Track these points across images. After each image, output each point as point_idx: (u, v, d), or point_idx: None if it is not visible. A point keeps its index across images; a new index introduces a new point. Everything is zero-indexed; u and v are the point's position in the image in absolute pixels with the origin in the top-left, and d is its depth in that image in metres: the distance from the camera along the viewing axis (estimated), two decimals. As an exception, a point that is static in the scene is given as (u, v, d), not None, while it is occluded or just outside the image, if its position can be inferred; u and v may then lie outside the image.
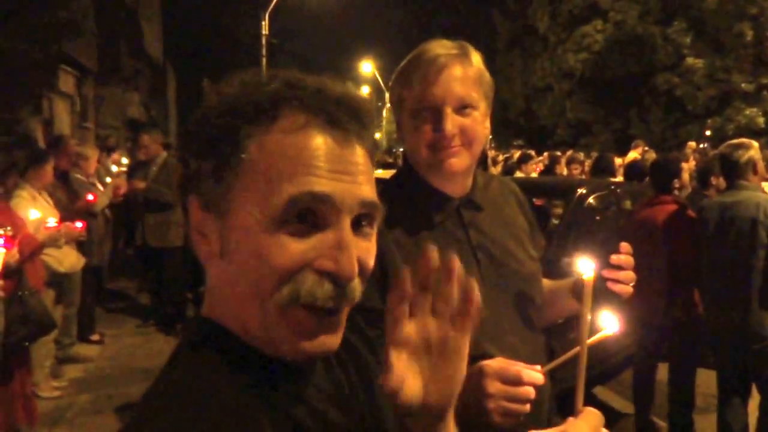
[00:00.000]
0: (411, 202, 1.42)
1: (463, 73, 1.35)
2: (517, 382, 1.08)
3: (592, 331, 1.00)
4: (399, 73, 1.43)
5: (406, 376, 0.66)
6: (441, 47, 1.37)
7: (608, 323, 0.98)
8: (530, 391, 1.08)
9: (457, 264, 0.66)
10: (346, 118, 0.73)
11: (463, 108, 1.35)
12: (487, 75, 1.42)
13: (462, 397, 1.14)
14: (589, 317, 0.93)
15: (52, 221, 3.92)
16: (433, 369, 0.68)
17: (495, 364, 1.12)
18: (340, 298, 0.70)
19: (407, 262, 1.29)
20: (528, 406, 1.09)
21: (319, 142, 0.70)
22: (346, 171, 0.71)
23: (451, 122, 1.33)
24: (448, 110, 1.33)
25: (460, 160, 1.36)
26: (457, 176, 1.40)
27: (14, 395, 3.68)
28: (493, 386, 1.09)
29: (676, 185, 3.99)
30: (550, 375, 1.20)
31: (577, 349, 1.03)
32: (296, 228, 0.68)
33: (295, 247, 0.68)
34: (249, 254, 0.69)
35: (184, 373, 0.71)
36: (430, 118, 1.35)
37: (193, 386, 0.68)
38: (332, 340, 0.72)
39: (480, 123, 1.39)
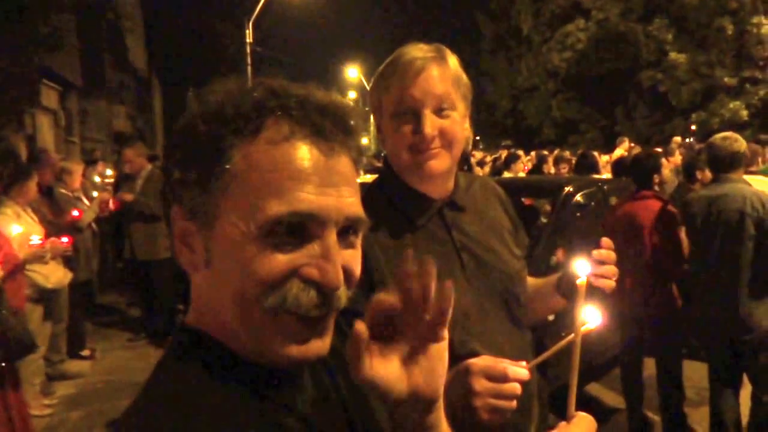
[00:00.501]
0: (393, 205, 1.43)
1: (441, 74, 1.36)
2: (503, 378, 1.09)
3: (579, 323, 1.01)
4: (377, 78, 1.44)
5: (381, 364, 0.68)
6: (418, 50, 1.38)
7: (591, 317, 0.99)
8: (516, 388, 1.09)
9: (434, 275, 0.70)
10: (331, 128, 0.72)
11: (441, 110, 1.36)
12: (464, 77, 1.43)
13: (448, 396, 1.15)
14: (581, 319, 0.94)
15: (36, 238, 3.87)
16: (413, 359, 0.71)
17: (480, 362, 1.13)
18: (326, 306, 0.71)
19: (390, 265, 1.31)
20: (514, 403, 1.10)
21: (305, 153, 0.70)
22: (331, 183, 0.71)
23: (430, 124, 1.34)
24: (427, 112, 1.34)
25: (440, 162, 1.37)
26: (437, 178, 1.41)
27: (11, 411, 3.62)
28: (479, 384, 1.10)
29: (656, 180, 4.01)
30: (542, 373, 1.21)
31: (561, 343, 1.03)
32: (282, 240, 0.69)
33: (281, 259, 0.68)
34: (234, 264, 0.69)
35: (171, 382, 0.71)
36: (410, 120, 1.35)
37: (181, 396, 0.68)
38: (321, 345, 0.73)
39: (459, 124, 1.39)
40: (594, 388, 4.85)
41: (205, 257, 0.72)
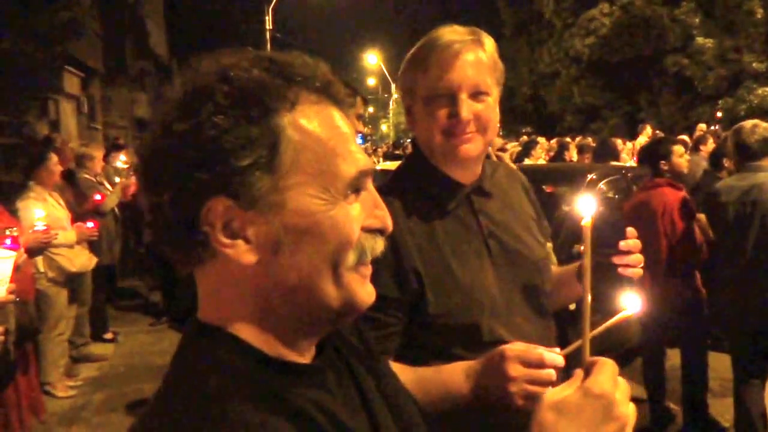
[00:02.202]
0: (423, 190, 1.42)
1: (478, 59, 1.36)
2: (540, 365, 1.10)
3: (614, 311, 0.99)
4: (411, 60, 1.42)
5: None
6: (454, 33, 1.37)
7: (630, 303, 0.98)
8: (552, 374, 1.10)
9: None
10: (340, 90, 0.77)
11: (477, 94, 1.36)
12: (499, 61, 1.43)
13: (483, 381, 1.15)
14: (589, 266, 0.92)
15: (40, 225, 3.84)
16: None
17: (516, 347, 1.14)
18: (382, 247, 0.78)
19: (421, 251, 1.31)
20: (550, 389, 1.08)
21: (339, 118, 0.75)
22: (356, 141, 0.78)
23: (467, 108, 1.34)
24: (464, 96, 1.34)
25: (474, 146, 1.37)
26: (470, 162, 1.41)
27: (22, 395, 3.69)
28: (516, 370, 1.11)
29: (664, 168, 3.94)
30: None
31: (595, 331, 1.01)
32: (349, 198, 0.73)
33: (355, 215, 0.73)
34: (321, 235, 0.70)
35: (196, 384, 0.68)
36: (445, 104, 1.35)
37: (212, 394, 0.66)
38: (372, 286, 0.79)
39: (493, 109, 1.39)
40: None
41: (274, 242, 0.69)
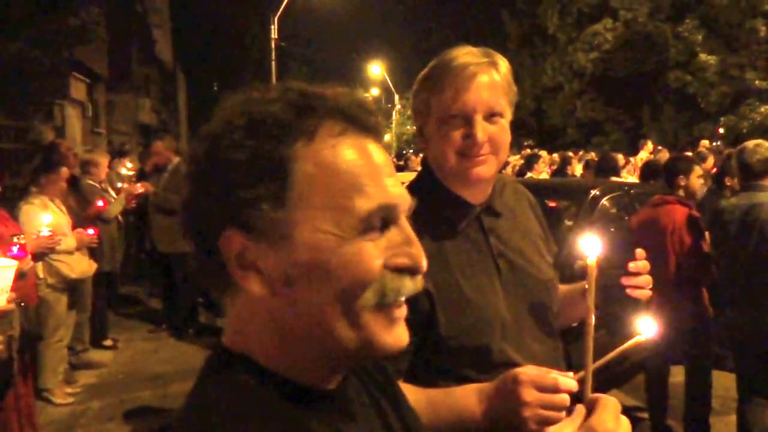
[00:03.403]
0: (433, 210, 1.40)
1: (493, 81, 1.36)
2: (554, 389, 1.09)
3: (629, 335, 0.99)
4: (425, 79, 1.42)
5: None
6: (469, 55, 1.37)
7: (645, 328, 0.99)
8: (566, 399, 1.09)
9: None
10: (372, 120, 0.74)
11: (492, 116, 1.36)
12: (513, 83, 1.43)
13: (496, 405, 1.14)
14: (593, 302, 0.93)
15: (46, 231, 3.86)
16: None
17: (530, 371, 1.13)
18: (415, 288, 0.74)
19: (431, 272, 1.30)
20: (564, 414, 1.09)
21: (365, 148, 0.72)
22: (392, 173, 0.74)
23: (482, 130, 1.34)
24: (478, 118, 1.34)
25: (487, 168, 1.37)
26: (482, 184, 1.41)
27: (17, 401, 3.67)
28: (530, 394, 1.10)
29: (682, 183, 3.94)
30: None
31: (607, 357, 1.01)
32: (370, 234, 0.70)
33: (374, 252, 0.69)
34: (330, 271, 0.68)
35: (219, 411, 0.67)
36: (460, 125, 1.35)
37: (233, 421, 0.65)
38: (406, 330, 0.75)
39: (506, 131, 1.40)
40: (616, 396, 4.77)
41: (285, 276, 0.69)
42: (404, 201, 0.73)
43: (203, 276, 0.75)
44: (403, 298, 0.72)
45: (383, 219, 0.71)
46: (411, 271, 0.72)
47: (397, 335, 0.73)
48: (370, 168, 0.71)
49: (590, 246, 0.91)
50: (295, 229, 0.68)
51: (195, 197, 0.71)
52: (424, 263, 0.73)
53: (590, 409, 0.81)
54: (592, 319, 0.91)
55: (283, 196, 0.68)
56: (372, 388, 0.84)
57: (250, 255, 0.69)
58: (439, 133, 1.38)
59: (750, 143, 3.54)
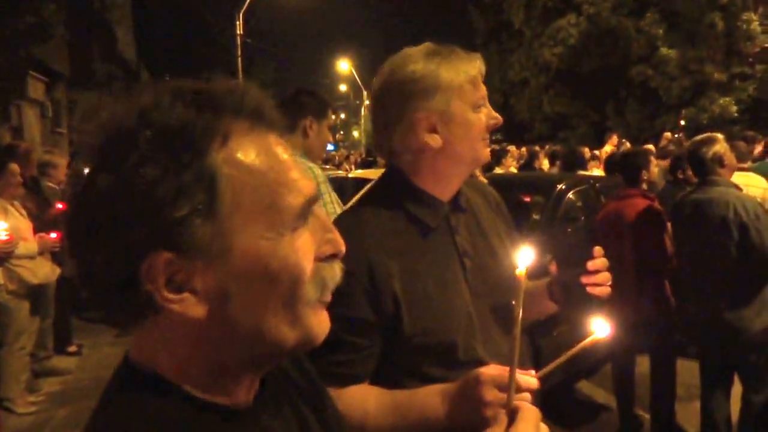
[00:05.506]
0: (401, 208, 1.37)
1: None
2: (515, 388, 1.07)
3: (583, 334, 1.00)
4: (413, 83, 1.34)
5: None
6: (458, 50, 1.41)
7: (599, 328, 0.99)
8: (527, 397, 1.07)
9: None
10: (273, 113, 0.71)
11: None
12: None
13: (459, 405, 1.14)
14: (521, 312, 0.91)
15: (2, 234, 3.74)
16: None
17: (491, 371, 1.12)
18: (340, 273, 0.74)
19: (397, 271, 1.29)
20: None
21: (275, 143, 0.69)
22: (296, 165, 0.72)
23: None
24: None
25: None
26: (461, 177, 1.43)
27: None
28: (491, 393, 1.09)
29: (644, 177, 4.01)
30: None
31: (570, 352, 1.01)
32: (300, 229, 0.68)
33: (308, 246, 0.68)
34: (272, 275, 0.65)
35: (129, 429, 0.64)
36: (483, 109, 1.39)
37: None
38: (327, 315, 0.74)
39: None
40: (585, 387, 4.86)
41: (224, 291, 0.64)
42: (316, 192, 0.72)
43: (111, 310, 0.67)
44: (333, 287, 0.72)
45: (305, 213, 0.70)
46: (336, 257, 0.72)
47: (325, 324, 0.73)
48: (285, 164, 0.69)
49: (522, 256, 0.90)
50: (232, 239, 0.64)
51: (103, 227, 0.61)
52: (343, 245, 0.73)
53: (512, 419, 0.81)
54: (519, 329, 0.90)
55: (214, 207, 0.63)
56: (295, 397, 0.82)
57: (181, 276, 0.63)
58: (466, 123, 1.35)
59: (697, 139, 3.58)
